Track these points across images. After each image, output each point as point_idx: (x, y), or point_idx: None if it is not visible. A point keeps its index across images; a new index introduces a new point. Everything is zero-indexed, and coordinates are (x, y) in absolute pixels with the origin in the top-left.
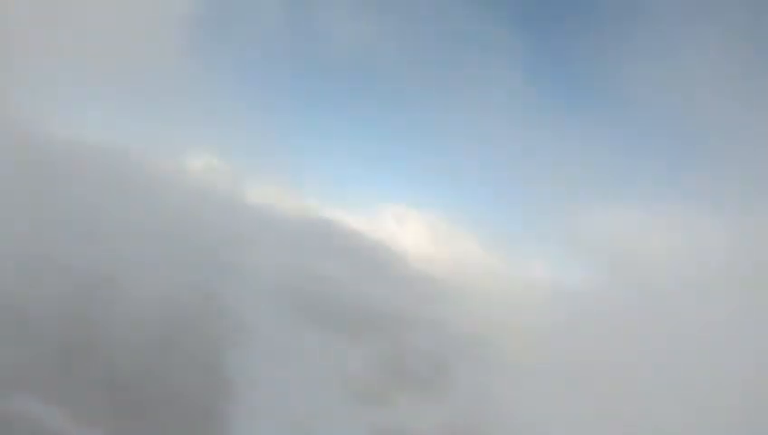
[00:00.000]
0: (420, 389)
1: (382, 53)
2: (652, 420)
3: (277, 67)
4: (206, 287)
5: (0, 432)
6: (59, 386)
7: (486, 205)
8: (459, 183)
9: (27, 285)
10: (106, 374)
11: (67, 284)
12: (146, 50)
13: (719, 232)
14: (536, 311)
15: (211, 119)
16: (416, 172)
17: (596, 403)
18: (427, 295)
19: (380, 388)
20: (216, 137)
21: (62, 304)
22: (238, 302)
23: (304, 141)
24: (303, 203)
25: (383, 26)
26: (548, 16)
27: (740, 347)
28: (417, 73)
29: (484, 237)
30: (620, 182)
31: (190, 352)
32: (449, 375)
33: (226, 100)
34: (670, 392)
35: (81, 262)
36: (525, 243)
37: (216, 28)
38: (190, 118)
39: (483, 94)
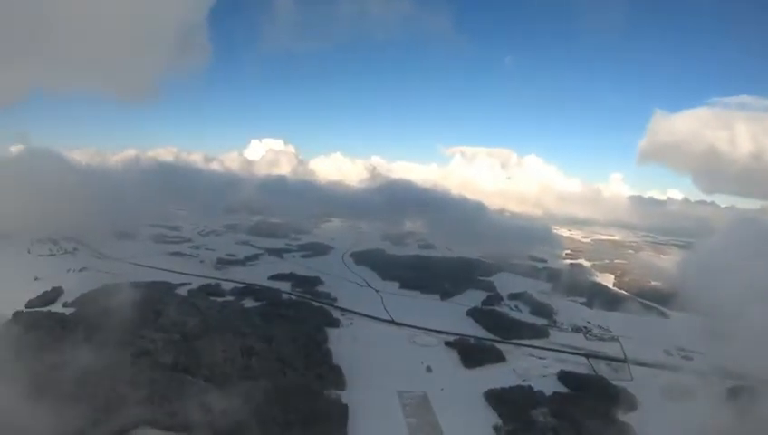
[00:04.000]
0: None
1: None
2: None
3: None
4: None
5: None
6: None
7: (546, 129)
8: (518, 114)
9: None
10: None
11: None
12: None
13: None
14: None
15: (267, 108)
16: (473, 111)
17: None
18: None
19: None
20: (275, 124)
21: None
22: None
23: (354, 111)
24: (371, 166)
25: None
26: None
27: None
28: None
29: (555, 161)
30: None
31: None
32: None
33: (275, 87)
34: None
35: None
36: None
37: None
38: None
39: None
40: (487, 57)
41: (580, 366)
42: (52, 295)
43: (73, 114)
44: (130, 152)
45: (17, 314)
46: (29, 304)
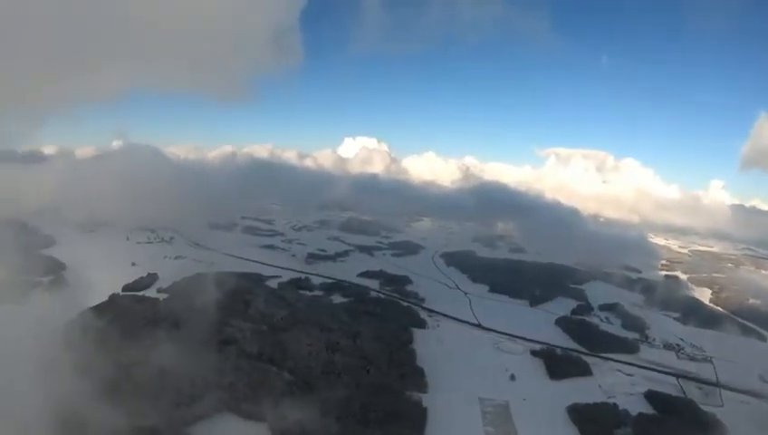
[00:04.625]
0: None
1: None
2: None
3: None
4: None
5: None
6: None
7: (644, 131)
8: (615, 115)
9: None
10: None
11: None
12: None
13: None
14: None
15: (361, 106)
16: (568, 112)
17: None
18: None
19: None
20: (369, 123)
21: None
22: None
23: (448, 110)
24: (464, 166)
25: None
26: None
27: None
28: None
29: (653, 165)
30: None
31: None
32: None
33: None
34: None
35: None
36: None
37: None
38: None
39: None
40: (583, 57)
41: (668, 386)
42: (148, 281)
43: (173, 112)
44: (227, 149)
45: (113, 297)
46: (125, 288)
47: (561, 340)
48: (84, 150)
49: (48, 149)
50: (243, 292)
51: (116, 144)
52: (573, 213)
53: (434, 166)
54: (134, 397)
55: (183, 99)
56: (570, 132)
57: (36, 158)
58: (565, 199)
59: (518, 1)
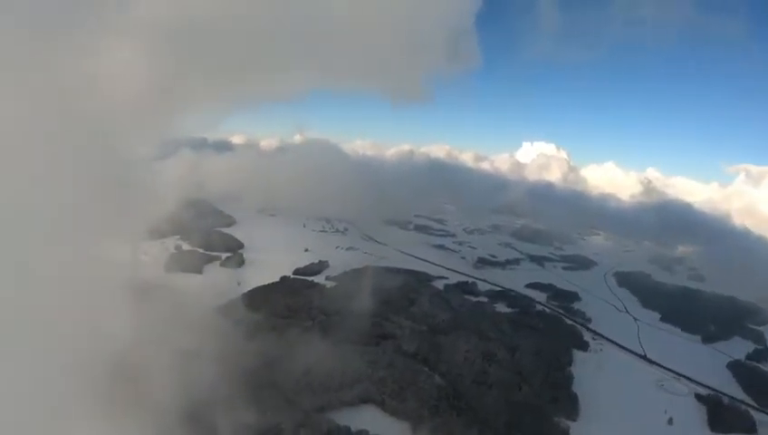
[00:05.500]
0: None
1: None
2: None
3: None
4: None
5: None
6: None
7: None
8: None
9: None
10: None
11: None
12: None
13: None
14: None
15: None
16: (762, 124)
17: None
18: None
19: None
20: (548, 128)
21: None
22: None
23: (630, 119)
24: (645, 180)
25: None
26: None
27: None
28: None
29: None
30: None
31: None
32: None
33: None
34: None
35: None
36: None
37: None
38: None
39: None
40: None
41: None
42: (318, 267)
43: (351, 110)
44: (405, 147)
45: (284, 279)
46: (296, 271)
47: (730, 387)
48: (268, 142)
49: (236, 139)
50: (408, 289)
51: (297, 138)
52: (763, 242)
53: (613, 177)
54: (285, 378)
55: (361, 98)
56: (763, 147)
57: (225, 146)
58: (753, 223)
59: (709, 2)
